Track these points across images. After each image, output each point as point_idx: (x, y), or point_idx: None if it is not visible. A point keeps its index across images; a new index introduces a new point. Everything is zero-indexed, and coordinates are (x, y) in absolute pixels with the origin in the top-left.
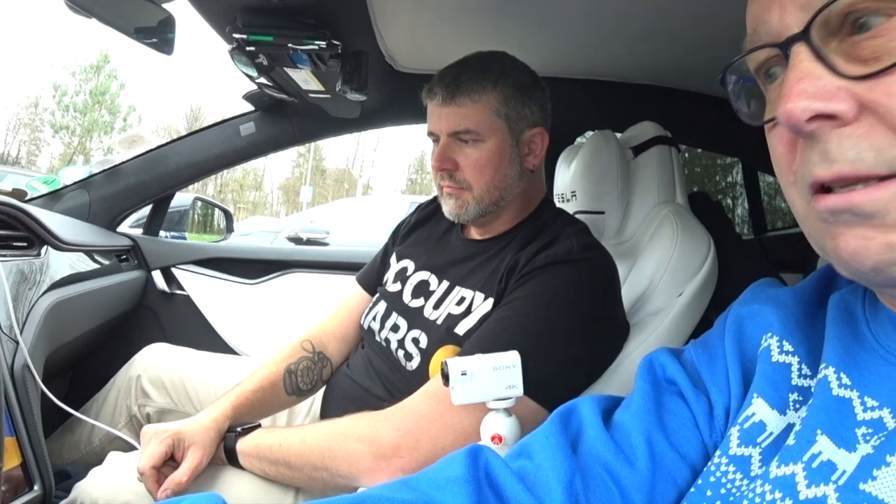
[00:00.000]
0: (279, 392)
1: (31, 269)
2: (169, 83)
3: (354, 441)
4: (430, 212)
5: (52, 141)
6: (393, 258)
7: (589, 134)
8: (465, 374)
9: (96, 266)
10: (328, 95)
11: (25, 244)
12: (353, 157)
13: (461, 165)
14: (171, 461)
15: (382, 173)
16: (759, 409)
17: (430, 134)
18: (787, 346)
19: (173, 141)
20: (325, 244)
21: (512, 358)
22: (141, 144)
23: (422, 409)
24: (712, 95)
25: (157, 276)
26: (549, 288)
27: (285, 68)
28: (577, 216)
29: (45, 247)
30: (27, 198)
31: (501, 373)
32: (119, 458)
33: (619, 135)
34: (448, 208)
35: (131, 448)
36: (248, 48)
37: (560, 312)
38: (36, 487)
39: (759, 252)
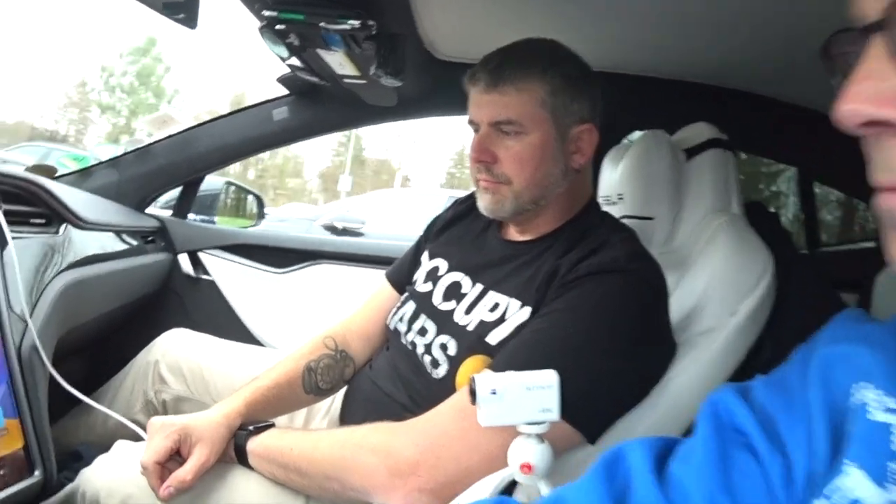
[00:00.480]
0: (297, 390)
1: (49, 247)
2: (213, 68)
3: (369, 453)
4: (466, 208)
5: (99, 120)
6: (425, 255)
7: (636, 134)
8: (494, 392)
9: (124, 247)
10: (364, 81)
11: (44, 221)
12: (393, 149)
13: (500, 158)
14: (177, 456)
15: (422, 166)
16: (854, 481)
17: (471, 122)
18: (891, 402)
19: (205, 123)
20: (360, 234)
21: (548, 378)
22: (171, 125)
23: (445, 425)
24: (772, 98)
25: (184, 260)
26: (592, 300)
27: (318, 50)
28: (624, 221)
29: (64, 225)
30: (56, 174)
31: (535, 394)
32: (126, 447)
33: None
34: (484, 203)
35: (140, 437)
36: (277, 26)
37: (602, 327)
38: (37, 473)
39: (817, 270)
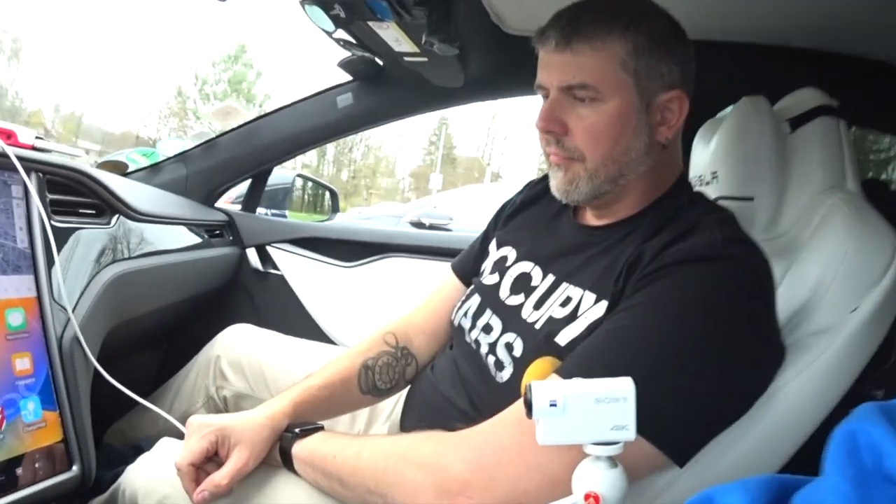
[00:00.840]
0: (352, 390)
1: (99, 238)
2: (302, 72)
3: (415, 468)
4: (540, 190)
5: (196, 126)
6: (493, 244)
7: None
8: (555, 404)
9: (191, 241)
10: (425, 59)
11: (94, 212)
12: (483, 147)
13: (572, 129)
14: (216, 458)
15: (513, 162)
16: None
17: (539, 88)
18: None
19: (269, 113)
20: (448, 230)
21: (623, 387)
22: (235, 116)
23: (502, 440)
24: (891, 63)
25: (252, 254)
26: (681, 293)
27: (368, 22)
28: (720, 203)
29: (117, 216)
30: (128, 171)
31: (607, 407)
32: (168, 445)
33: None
34: (555, 183)
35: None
36: None
37: (693, 326)
38: (74, 468)
39: None
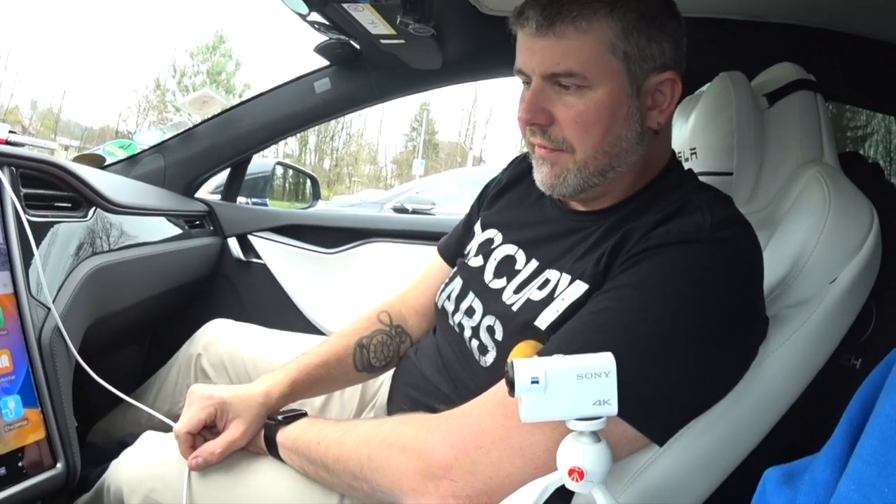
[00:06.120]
0: (347, 368)
1: (76, 232)
2: (282, 60)
3: (399, 452)
4: (524, 169)
5: (176, 119)
6: (478, 226)
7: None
8: (536, 381)
9: (171, 232)
10: (402, 41)
11: (70, 205)
12: (464, 131)
13: (559, 119)
14: (213, 427)
15: (494, 146)
16: None
17: (519, 73)
18: None
19: (246, 101)
20: (432, 215)
21: (603, 362)
22: (212, 105)
23: (484, 422)
24: (869, 38)
25: (234, 244)
26: (665, 275)
27: (343, 5)
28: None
29: (93, 209)
30: (105, 163)
31: (589, 382)
32: (152, 439)
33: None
34: (541, 177)
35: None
36: None
37: (680, 309)
38: (59, 465)
39: None
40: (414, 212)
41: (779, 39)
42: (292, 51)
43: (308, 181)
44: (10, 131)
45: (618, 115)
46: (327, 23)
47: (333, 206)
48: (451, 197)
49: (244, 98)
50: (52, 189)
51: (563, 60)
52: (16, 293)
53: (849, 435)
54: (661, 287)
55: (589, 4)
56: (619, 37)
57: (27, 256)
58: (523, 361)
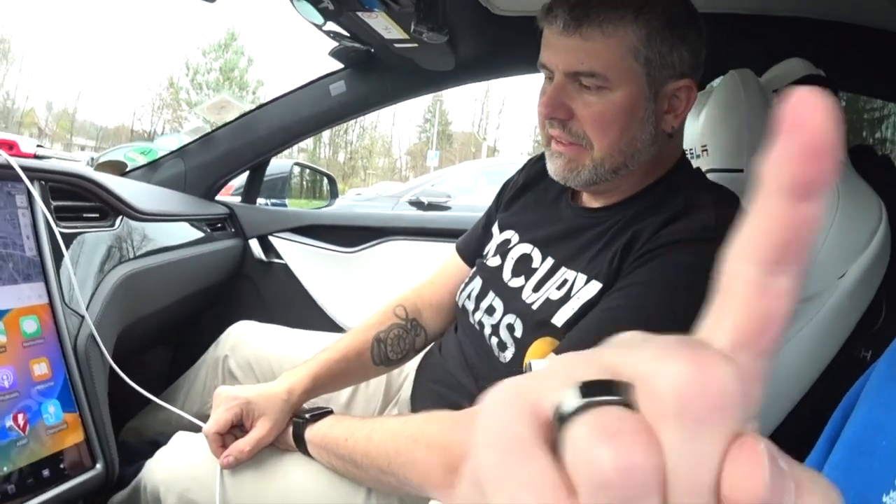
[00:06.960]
0: (365, 362)
1: (105, 241)
2: (294, 55)
3: (424, 447)
4: (539, 170)
5: (191, 117)
6: (495, 227)
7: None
8: None
9: (194, 236)
10: (415, 45)
11: (97, 215)
12: (478, 122)
13: (578, 115)
14: (241, 426)
15: (508, 135)
16: None
17: (542, 67)
18: None
19: (263, 105)
20: (447, 208)
21: None
22: (230, 110)
23: None
24: (877, 28)
25: (255, 245)
26: (674, 273)
27: (357, 13)
28: (709, 176)
29: (120, 217)
30: (127, 169)
31: None
32: (185, 439)
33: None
34: (554, 168)
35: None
36: None
37: (689, 305)
38: (98, 466)
39: None
40: (430, 205)
41: (786, 32)
42: (304, 46)
43: (325, 180)
44: (38, 146)
45: (635, 117)
46: (343, 32)
47: (349, 200)
48: (465, 189)
49: (258, 95)
50: (80, 200)
51: (587, 61)
52: (51, 303)
53: (831, 440)
54: (668, 285)
55: (616, 10)
56: (643, 42)
57: (59, 267)
58: (541, 362)
